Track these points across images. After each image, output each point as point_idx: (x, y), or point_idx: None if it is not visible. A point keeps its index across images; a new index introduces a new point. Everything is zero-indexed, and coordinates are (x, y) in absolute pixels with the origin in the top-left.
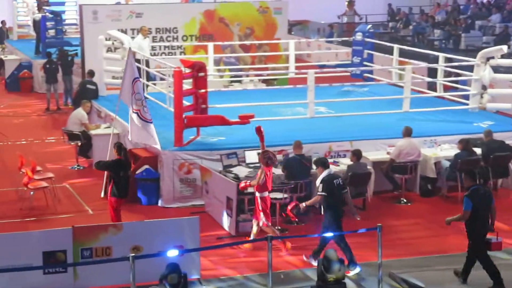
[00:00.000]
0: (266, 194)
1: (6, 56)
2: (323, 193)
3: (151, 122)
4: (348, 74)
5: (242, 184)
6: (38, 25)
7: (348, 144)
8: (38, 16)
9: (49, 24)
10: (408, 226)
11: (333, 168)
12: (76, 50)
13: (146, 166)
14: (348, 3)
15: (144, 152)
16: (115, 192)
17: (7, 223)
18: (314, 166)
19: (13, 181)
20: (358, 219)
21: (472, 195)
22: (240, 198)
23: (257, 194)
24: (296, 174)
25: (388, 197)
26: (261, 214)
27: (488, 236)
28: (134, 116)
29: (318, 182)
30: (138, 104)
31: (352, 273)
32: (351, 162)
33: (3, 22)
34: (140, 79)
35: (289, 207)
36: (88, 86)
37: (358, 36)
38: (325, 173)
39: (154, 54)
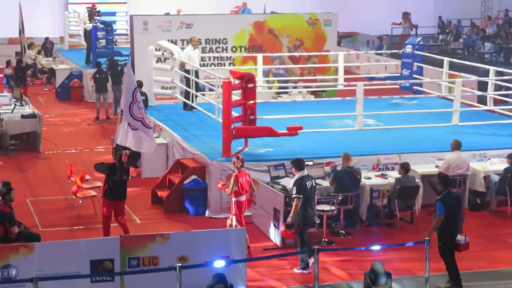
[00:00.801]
0: (242, 198)
1: (57, 66)
2: (299, 196)
3: (151, 128)
4: (397, 86)
5: (219, 185)
6: (89, 35)
7: (397, 157)
8: (89, 26)
9: (99, 34)
10: None
11: (306, 171)
12: (126, 60)
13: (194, 177)
14: (404, 14)
15: (191, 163)
16: (108, 194)
17: (56, 231)
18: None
19: (62, 189)
20: (318, 222)
21: (444, 200)
22: (288, 209)
23: (233, 199)
24: (346, 186)
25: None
26: (234, 218)
27: (458, 237)
28: (138, 124)
29: (291, 184)
30: (142, 112)
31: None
32: (399, 175)
33: (46, 39)
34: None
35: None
36: None
37: (408, 49)
38: (298, 175)
39: (204, 65)
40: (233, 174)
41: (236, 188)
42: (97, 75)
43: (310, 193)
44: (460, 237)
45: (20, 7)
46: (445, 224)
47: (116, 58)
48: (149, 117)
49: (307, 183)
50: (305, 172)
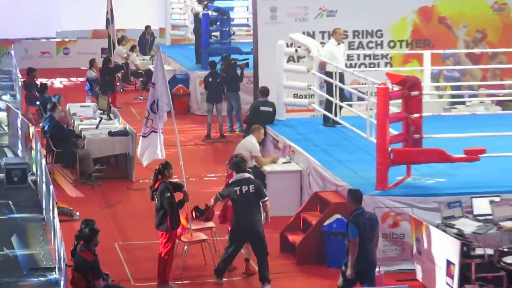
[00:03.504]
0: None
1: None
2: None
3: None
4: None
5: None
6: (199, 26)
7: None
8: (200, 11)
9: (213, 25)
10: None
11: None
12: (247, 59)
13: (338, 216)
14: None
15: (334, 197)
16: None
17: (153, 286)
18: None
19: None
20: (264, 222)
21: (357, 220)
22: (465, 262)
23: None
24: None
25: None
26: None
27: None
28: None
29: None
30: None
31: None
32: None
33: (147, 27)
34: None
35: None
36: (262, 108)
37: None
38: (233, 178)
39: (350, 66)
40: None
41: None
42: (210, 79)
43: (241, 200)
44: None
45: None
46: (359, 249)
47: (233, 56)
48: None
49: (235, 189)
50: (245, 175)
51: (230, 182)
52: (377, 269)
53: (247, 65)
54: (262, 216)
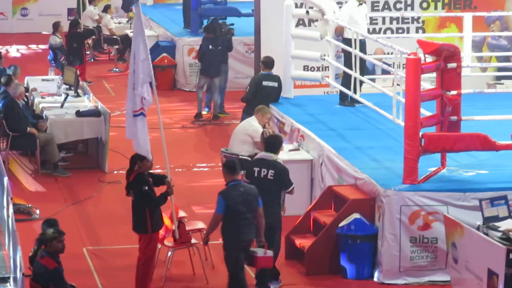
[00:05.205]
0: None
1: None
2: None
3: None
4: None
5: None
6: None
7: None
8: None
9: None
10: None
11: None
12: (232, 24)
13: (356, 215)
14: None
15: (352, 192)
16: None
17: None
18: None
19: None
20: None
21: (227, 193)
22: (511, 272)
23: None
24: None
25: None
26: None
27: (253, 248)
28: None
29: None
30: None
31: None
32: None
33: None
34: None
35: None
36: (265, 83)
37: None
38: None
39: (374, 31)
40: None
41: None
42: (210, 46)
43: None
44: (258, 249)
45: None
46: (229, 227)
47: (221, 21)
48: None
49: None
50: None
51: (252, 159)
52: (263, 250)
53: (232, 32)
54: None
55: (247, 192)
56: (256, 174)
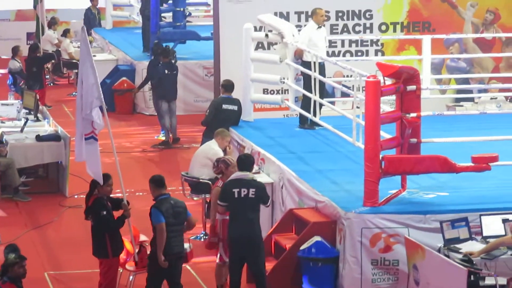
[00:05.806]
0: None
1: (94, 55)
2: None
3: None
4: None
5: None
6: (147, 5)
7: None
8: None
9: (163, 3)
10: None
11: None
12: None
13: (317, 238)
14: None
15: (313, 215)
16: None
17: None
18: None
19: None
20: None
21: (159, 206)
22: None
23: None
24: None
25: None
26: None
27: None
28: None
29: None
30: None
31: None
32: None
33: (93, 2)
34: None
35: None
36: (225, 106)
37: None
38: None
39: (333, 54)
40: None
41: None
42: (166, 71)
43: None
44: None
45: None
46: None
47: (166, 44)
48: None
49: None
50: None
51: (227, 181)
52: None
53: (174, 55)
54: None
55: (177, 204)
56: (236, 195)
